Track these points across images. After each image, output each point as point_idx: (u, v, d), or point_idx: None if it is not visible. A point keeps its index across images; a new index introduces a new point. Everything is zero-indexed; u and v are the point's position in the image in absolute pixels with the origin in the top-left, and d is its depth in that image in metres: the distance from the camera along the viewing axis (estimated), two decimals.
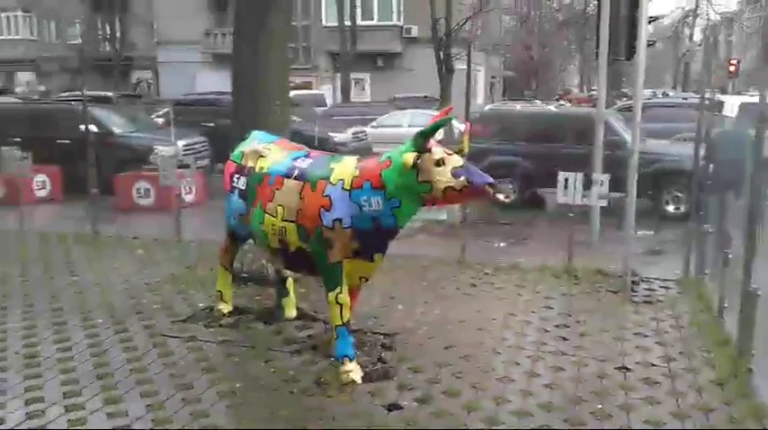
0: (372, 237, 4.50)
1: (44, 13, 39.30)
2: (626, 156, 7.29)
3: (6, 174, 9.66)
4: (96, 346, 5.08)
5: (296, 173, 4.75)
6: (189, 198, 11.26)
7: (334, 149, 12.56)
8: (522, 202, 11.10)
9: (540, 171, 10.41)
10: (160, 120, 19.54)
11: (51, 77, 37.18)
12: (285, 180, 4.77)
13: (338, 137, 15.42)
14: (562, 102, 20.16)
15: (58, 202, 11.70)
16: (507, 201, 4.26)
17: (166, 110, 24.92)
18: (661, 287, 6.74)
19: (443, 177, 4.19)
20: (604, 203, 7.42)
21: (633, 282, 6.74)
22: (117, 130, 12.91)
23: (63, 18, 38.79)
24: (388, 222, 4.41)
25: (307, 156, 4.96)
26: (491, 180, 4.27)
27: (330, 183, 4.50)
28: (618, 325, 5.67)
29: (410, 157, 4.21)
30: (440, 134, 4.53)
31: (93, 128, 10.91)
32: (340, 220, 4.42)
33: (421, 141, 4.22)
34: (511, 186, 11.47)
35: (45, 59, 38.43)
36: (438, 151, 4.25)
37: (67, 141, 11.53)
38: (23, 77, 38.94)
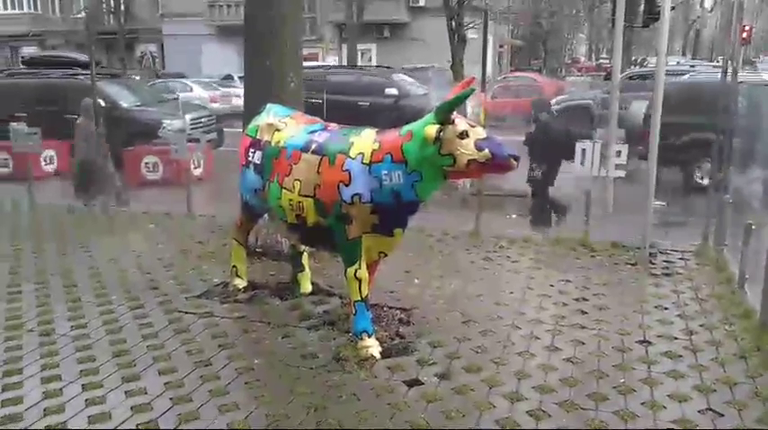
0: (393, 212, 4.40)
1: None
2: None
3: (17, 149, 9.57)
4: (111, 323, 5.04)
5: (313, 146, 4.64)
6: (198, 172, 11.19)
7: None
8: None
9: None
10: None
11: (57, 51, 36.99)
12: (302, 154, 4.66)
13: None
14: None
15: (66, 178, 11.61)
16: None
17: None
18: (679, 259, 6.65)
19: (467, 150, 4.08)
20: (622, 174, 7.29)
21: (651, 254, 6.66)
22: (125, 105, 12.80)
23: None
24: (408, 196, 4.31)
25: (324, 129, 4.85)
26: (514, 152, 4.17)
27: (349, 157, 4.39)
28: (638, 298, 5.59)
29: (433, 130, 4.10)
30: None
31: (101, 102, 10.78)
32: (360, 195, 4.32)
33: (444, 113, 4.10)
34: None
35: (51, 33, 38.12)
36: (461, 123, 4.14)
37: (76, 116, 11.42)
38: (28, 52, 38.62)
